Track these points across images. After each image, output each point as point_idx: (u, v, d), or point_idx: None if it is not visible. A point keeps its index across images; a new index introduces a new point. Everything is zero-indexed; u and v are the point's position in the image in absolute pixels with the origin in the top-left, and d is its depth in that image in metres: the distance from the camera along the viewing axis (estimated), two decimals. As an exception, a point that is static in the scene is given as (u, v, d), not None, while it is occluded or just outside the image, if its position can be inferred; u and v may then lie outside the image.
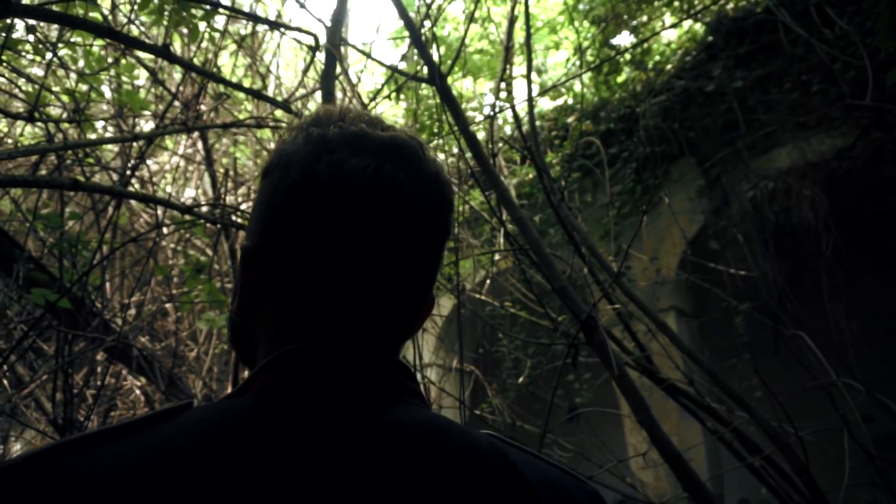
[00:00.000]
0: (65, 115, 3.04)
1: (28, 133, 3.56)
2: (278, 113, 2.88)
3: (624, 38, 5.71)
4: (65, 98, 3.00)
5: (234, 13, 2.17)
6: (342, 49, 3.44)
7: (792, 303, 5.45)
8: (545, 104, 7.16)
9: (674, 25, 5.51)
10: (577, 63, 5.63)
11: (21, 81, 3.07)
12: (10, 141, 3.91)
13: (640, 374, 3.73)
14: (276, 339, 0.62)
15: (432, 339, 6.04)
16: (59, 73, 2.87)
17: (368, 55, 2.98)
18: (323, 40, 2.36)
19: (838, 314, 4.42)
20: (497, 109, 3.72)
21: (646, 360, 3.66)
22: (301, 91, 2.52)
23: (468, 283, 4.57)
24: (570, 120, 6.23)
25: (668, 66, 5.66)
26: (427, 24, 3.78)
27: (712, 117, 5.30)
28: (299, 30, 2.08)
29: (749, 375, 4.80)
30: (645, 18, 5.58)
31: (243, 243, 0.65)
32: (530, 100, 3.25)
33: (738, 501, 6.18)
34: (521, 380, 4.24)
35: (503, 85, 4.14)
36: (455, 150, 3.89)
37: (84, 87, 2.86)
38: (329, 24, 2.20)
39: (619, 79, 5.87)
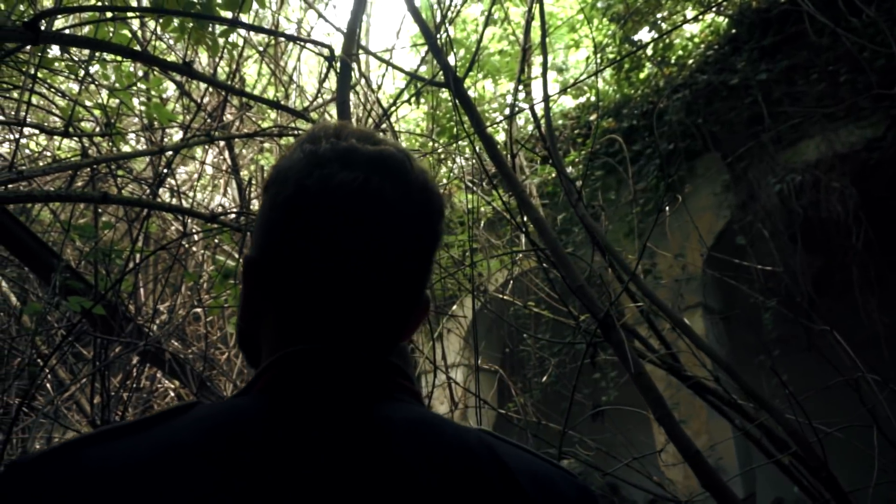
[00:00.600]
0: (97, 129, 3.17)
1: (64, 146, 3.71)
2: (301, 120, 2.96)
3: (645, 35, 5.67)
4: (97, 112, 3.13)
5: (250, 29, 2.25)
6: (363, 56, 3.51)
7: (822, 298, 5.35)
8: (568, 102, 7.14)
9: (695, 18, 5.45)
10: (598, 60, 5.61)
11: (56, 98, 3.21)
12: (48, 154, 4.08)
13: (666, 371, 3.72)
14: (277, 342, 0.67)
15: (458, 339, 6.09)
16: (91, 89, 2.99)
17: (386, 61, 3.03)
18: (340, 50, 2.43)
19: (871, 309, 4.32)
20: (515, 111, 3.74)
21: (671, 357, 3.64)
22: (320, 100, 2.59)
23: (491, 283, 4.60)
24: (592, 118, 6.21)
25: (691, 61, 5.60)
26: (443, 29, 3.82)
27: (737, 111, 5.23)
28: (314, 42, 2.14)
29: (778, 372, 4.72)
30: (666, 14, 5.53)
31: (246, 254, 0.70)
32: (546, 100, 3.27)
33: (772, 501, 6.07)
34: (544, 379, 4.25)
35: (522, 86, 4.16)
36: (472, 152, 3.92)
37: (115, 102, 2.98)
38: (344, 34, 2.26)
39: (642, 75, 5.83)
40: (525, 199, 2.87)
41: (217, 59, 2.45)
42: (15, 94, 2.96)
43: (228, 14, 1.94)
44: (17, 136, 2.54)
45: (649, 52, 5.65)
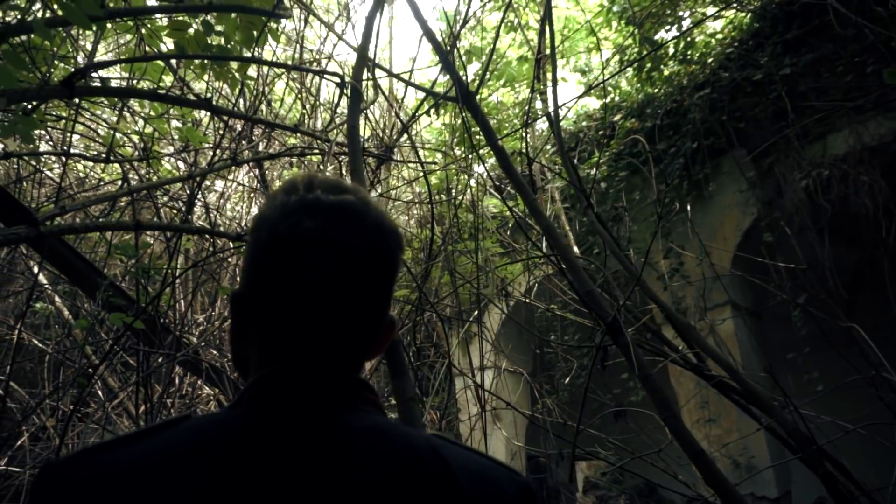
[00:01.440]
0: (136, 154, 3.40)
1: (107, 170, 3.97)
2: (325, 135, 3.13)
3: (665, 34, 5.67)
4: (135, 138, 3.36)
5: (263, 63, 2.41)
6: (382, 72, 3.65)
7: (855, 294, 5.25)
8: (592, 103, 7.17)
9: (716, 15, 5.43)
10: (619, 61, 5.64)
11: (99, 126, 3.46)
12: (94, 176, 4.37)
13: (689, 370, 3.75)
14: (259, 363, 0.80)
15: (487, 343, 6.18)
16: (128, 118, 3.21)
17: (398, 77, 3.17)
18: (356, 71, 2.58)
19: (904, 304, 4.24)
20: (531, 119, 3.82)
21: (696, 356, 3.68)
22: (338, 120, 2.74)
23: (516, 288, 4.69)
24: (616, 118, 6.23)
25: (710, 59, 5.58)
26: (457, 43, 3.93)
27: (762, 107, 5.19)
28: (325, 72, 2.29)
29: (809, 369, 4.67)
30: (687, 13, 5.52)
31: (234, 289, 0.84)
32: (556, 110, 3.35)
33: (815, 500, 5.99)
34: (566, 380, 4.32)
35: (538, 94, 4.24)
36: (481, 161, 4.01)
37: (151, 129, 3.20)
38: (356, 59, 2.39)
39: (664, 74, 5.83)
40: (536, 208, 2.97)
41: (238, 90, 2.63)
42: (61, 125, 3.20)
43: (247, 48, 2.10)
44: (63, 163, 2.76)
45: (671, 51, 5.64)
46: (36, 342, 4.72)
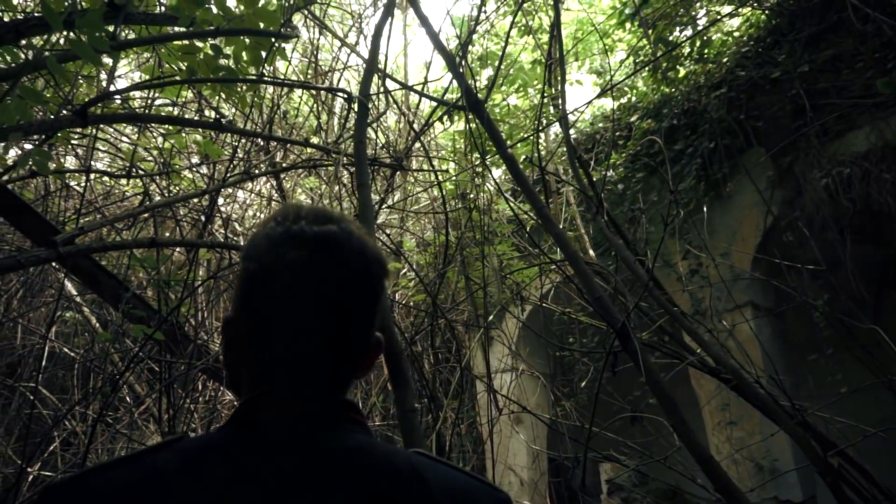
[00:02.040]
0: (157, 168, 3.51)
1: (131, 184, 4.09)
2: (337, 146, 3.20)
3: (681, 34, 5.62)
4: (155, 152, 3.47)
5: (270, 84, 2.48)
6: (391, 82, 3.70)
7: (883, 293, 5.15)
8: (609, 104, 7.13)
9: (733, 14, 5.37)
10: (632, 63, 5.62)
11: (120, 142, 3.57)
12: (118, 190, 4.50)
13: (706, 373, 3.74)
14: (250, 386, 0.85)
15: (502, 348, 6.19)
16: (148, 133, 3.31)
17: (407, 86, 3.22)
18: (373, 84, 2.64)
19: (929, 304, 4.16)
20: (542, 125, 3.83)
21: (714, 359, 3.66)
22: (347, 133, 2.80)
23: (532, 293, 4.70)
24: (632, 119, 6.20)
25: (728, 57, 5.52)
26: (470, 49, 3.96)
27: (780, 105, 5.12)
28: (331, 89, 2.35)
29: (832, 371, 4.59)
30: (702, 12, 5.48)
31: (225, 314, 0.89)
32: (565, 117, 3.36)
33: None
34: (583, 383, 4.32)
35: (550, 99, 4.25)
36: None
37: (170, 143, 3.30)
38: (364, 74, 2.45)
39: (681, 74, 5.78)
40: (545, 215, 2.99)
41: (250, 109, 2.70)
42: (85, 140, 3.32)
43: (256, 68, 2.17)
44: (87, 179, 2.88)
45: (686, 50, 5.60)
46: (67, 350, 4.89)
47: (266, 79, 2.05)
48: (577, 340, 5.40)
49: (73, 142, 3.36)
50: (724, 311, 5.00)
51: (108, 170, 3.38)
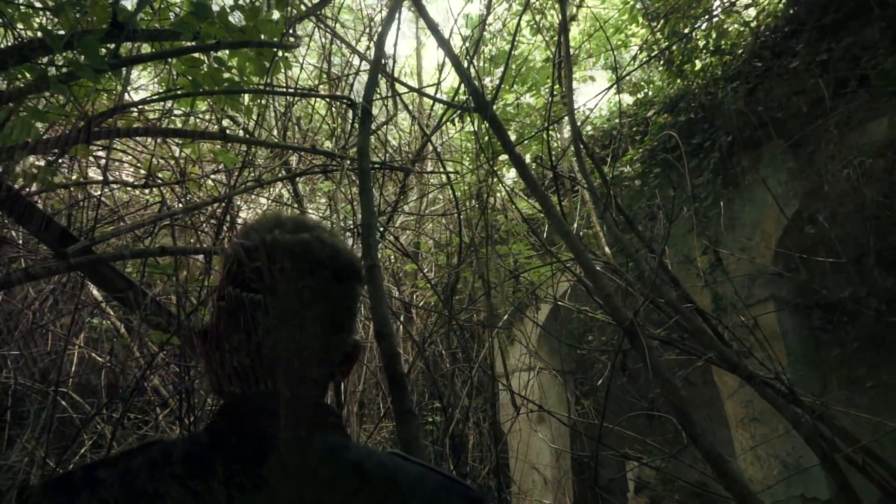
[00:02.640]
0: (174, 176, 3.60)
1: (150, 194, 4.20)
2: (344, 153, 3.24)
3: (694, 26, 5.56)
4: (172, 161, 3.56)
5: (274, 94, 2.53)
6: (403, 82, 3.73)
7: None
8: (626, 100, 7.08)
9: (748, 4, 5.29)
10: (645, 57, 5.57)
11: (138, 152, 3.67)
12: (141, 200, 4.63)
13: (725, 369, 3.70)
14: (230, 388, 0.89)
15: (526, 346, 6.19)
16: (165, 145, 3.40)
17: (415, 90, 3.25)
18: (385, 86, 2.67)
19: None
20: (551, 123, 3.83)
21: (737, 355, 3.62)
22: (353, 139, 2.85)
23: (548, 291, 4.68)
24: (649, 114, 6.14)
25: (742, 49, 5.44)
26: (479, 51, 3.97)
27: (800, 95, 5.03)
28: (333, 97, 2.39)
29: (857, 366, 4.50)
30: (717, 2, 5.41)
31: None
32: (572, 115, 3.35)
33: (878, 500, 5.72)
34: (599, 382, 4.30)
35: (561, 96, 4.24)
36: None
37: (186, 152, 3.39)
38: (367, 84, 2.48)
39: (696, 67, 5.72)
40: (554, 215, 2.99)
41: (258, 117, 2.77)
42: (101, 153, 3.42)
43: (260, 79, 2.22)
44: (107, 190, 2.97)
45: (701, 43, 5.54)
46: (95, 356, 5.04)
47: (267, 88, 2.10)
48: (597, 338, 5.38)
49: (96, 153, 3.47)
50: (746, 306, 4.93)
51: (130, 179, 3.49)
